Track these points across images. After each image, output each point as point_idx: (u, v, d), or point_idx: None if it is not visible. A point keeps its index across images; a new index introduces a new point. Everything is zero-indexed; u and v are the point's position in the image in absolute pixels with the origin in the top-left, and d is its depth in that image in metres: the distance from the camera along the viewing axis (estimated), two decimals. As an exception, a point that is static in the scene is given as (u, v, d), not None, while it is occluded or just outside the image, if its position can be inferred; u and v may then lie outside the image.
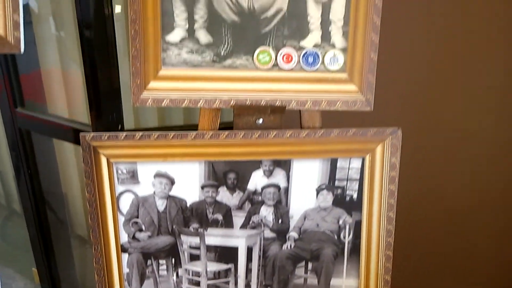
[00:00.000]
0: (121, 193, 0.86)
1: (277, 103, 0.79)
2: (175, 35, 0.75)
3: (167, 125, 1.41)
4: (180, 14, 0.74)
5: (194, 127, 0.83)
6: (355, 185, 0.83)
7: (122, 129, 1.05)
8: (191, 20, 0.75)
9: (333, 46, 0.77)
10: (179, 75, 0.77)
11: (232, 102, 0.78)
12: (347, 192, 0.83)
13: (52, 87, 1.39)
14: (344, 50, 0.77)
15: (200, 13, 0.75)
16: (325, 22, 0.75)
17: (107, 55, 0.96)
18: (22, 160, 1.34)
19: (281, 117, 0.80)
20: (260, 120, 0.81)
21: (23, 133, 1.34)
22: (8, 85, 1.29)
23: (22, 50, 0.82)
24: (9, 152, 1.38)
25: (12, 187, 2.09)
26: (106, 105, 0.99)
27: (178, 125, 1.34)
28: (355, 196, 0.84)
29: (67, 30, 1.31)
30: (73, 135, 1.20)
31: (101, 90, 0.95)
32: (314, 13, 0.75)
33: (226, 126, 0.82)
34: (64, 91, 1.35)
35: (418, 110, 1.11)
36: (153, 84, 0.77)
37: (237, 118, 0.80)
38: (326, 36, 0.76)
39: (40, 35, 1.36)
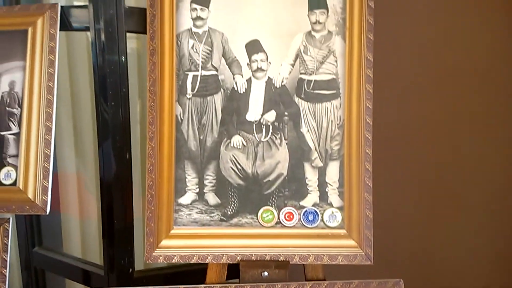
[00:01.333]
0: None
1: (280, 258, 0.83)
2: (187, 198, 0.84)
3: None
4: (191, 180, 0.84)
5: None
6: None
7: (133, 274, 1.08)
8: (201, 184, 0.84)
9: (331, 205, 0.84)
10: (189, 233, 0.83)
11: (238, 258, 0.83)
12: None
13: (68, 228, 1.45)
14: (341, 208, 0.84)
15: (209, 178, 0.84)
16: (322, 184, 0.84)
17: (124, 197, 1.03)
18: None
19: (285, 270, 0.84)
20: (266, 273, 0.84)
21: (38, 272, 1.37)
22: (29, 226, 1.37)
23: (48, 211, 0.91)
24: (21, 289, 1.39)
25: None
26: (119, 251, 1.04)
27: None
28: None
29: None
30: (86, 276, 1.23)
31: (116, 236, 1.01)
32: (311, 177, 0.84)
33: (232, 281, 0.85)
34: (79, 230, 1.42)
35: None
36: (165, 242, 0.83)
37: (243, 272, 0.84)
38: (323, 196, 0.84)
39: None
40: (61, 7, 0.94)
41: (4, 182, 0.91)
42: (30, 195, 0.89)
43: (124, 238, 1.05)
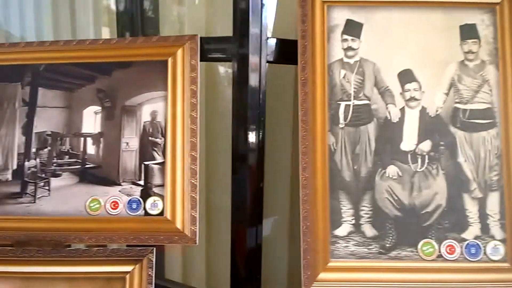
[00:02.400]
0: None
1: (441, 293, 0.81)
2: (343, 230, 0.83)
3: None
4: (347, 211, 0.83)
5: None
6: None
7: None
8: (357, 216, 0.83)
9: (493, 237, 0.82)
10: (347, 266, 0.82)
11: (396, 292, 0.81)
12: None
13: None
14: (503, 241, 0.82)
15: (365, 209, 0.83)
16: (483, 216, 0.82)
17: (255, 224, 1.03)
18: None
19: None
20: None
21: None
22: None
23: (197, 242, 0.91)
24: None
25: None
26: (246, 280, 1.03)
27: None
28: None
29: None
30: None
31: (245, 268, 1.00)
32: (471, 208, 0.82)
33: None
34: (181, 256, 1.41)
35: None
36: (322, 275, 0.82)
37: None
38: (485, 228, 0.82)
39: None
40: (200, 37, 0.96)
41: (150, 212, 0.91)
42: (178, 225, 0.90)
43: (253, 270, 1.04)
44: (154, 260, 0.91)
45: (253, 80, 0.93)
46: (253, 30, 0.91)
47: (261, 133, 0.96)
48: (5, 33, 1.70)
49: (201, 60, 0.95)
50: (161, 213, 0.90)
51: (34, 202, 0.92)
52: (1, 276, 0.91)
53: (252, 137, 0.96)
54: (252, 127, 0.95)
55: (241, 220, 1.00)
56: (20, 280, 0.91)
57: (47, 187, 0.93)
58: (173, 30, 1.31)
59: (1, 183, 0.95)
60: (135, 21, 1.15)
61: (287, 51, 0.95)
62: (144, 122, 0.94)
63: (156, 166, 0.92)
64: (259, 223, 1.03)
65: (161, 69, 0.95)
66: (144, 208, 0.91)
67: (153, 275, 0.91)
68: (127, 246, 0.94)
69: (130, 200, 0.91)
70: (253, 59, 0.92)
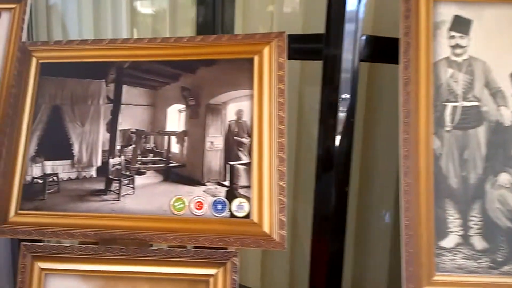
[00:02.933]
0: None
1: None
2: (450, 241, 0.77)
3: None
4: (454, 221, 0.77)
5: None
6: None
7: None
8: (465, 226, 0.77)
9: None
10: (453, 281, 0.75)
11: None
12: None
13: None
14: None
15: (475, 220, 0.77)
16: None
17: (337, 231, 0.98)
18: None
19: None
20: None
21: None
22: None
23: (286, 247, 0.88)
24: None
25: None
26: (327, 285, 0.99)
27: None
28: None
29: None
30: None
31: (327, 273, 0.96)
32: None
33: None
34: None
35: None
36: (426, 290, 0.77)
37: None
38: None
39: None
40: (288, 35, 0.93)
41: (236, 214, 0.89)
42: (266, 229, 0.86)
43: (334, 277, 0.99)
44: (238, 263, 0.89)
45: (345, 80, 0.89)
46: (348, 27, 0.87)
47: (349, 137, 0.91)
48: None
49: (288, 58, 0.92)
50: (247, 216, 0.87)
51: (119, 200, 0.92)
52: (85, 275, 0.91)
53: (340, 141, 0.92)
54: (341, 130, 0.91)
55: (322, 231, 0.96)
56: (103, 279, 0.91)
57: (131, 185, 0.92)
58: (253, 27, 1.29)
59: (85, 179, 0.95)
60: (216, 19, 1.14)
61: (383, 49, 0.90)
62: (229, 121, 0.92)
63: (241, 167, 0.89)
64: (342, 232, 0.98)
65: (247, 67, 0.92)
66: (230, 210, 0.88)
67: (237, 279, 0.89)
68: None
69: (215, 201, 0.89)
70: (346, 58, 0.88)
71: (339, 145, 0.91)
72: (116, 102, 0.96)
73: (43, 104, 0.98)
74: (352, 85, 0.89)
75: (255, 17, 1.26)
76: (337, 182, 0.92)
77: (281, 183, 0.87)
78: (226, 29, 1.15)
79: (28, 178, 0.95)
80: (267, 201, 0.87)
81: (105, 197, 0.92)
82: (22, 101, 1.00)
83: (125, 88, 0.96)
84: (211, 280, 0.88)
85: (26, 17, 1.21)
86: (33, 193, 0.94)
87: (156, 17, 1.59)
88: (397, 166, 1.15)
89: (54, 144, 0.97)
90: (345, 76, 0.88)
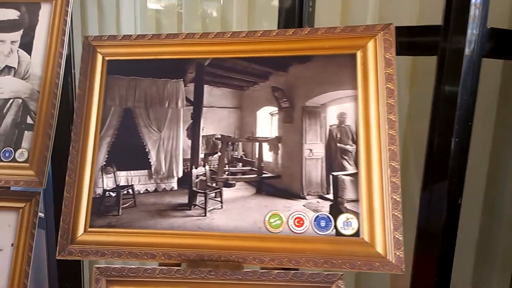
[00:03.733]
0: None
1: None
2: None
3: None
4: None
5: None
6: None
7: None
8: None
9: None
10: None
11: None
12: None
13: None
14: None
15: None
16: None
17: (445, 246, 0.86)
18: None
19: None
20: None
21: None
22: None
23: (403, 270, 0.78)
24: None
25: None
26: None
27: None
28: None
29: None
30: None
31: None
32: None
33: None
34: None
35: None
36: None
37: None
38: None
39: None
40: (396, 27, 0.83)
41: (343, 232, 0.77)
42: (379, 249, 0.75)
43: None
44: (343, 287, 0.79)
45: (465, 77, 0.79)
46: (472, 16, 0.76)
47: (466, 143, 0.81)
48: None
49: (397, 54, 0.82)
50: (357, 234, 0.77)
51: (205, 216, 0.81)
52: (169, 299, 0.82)
53: (455, 145, 0.82)
54: (458, 133, 0.81)
55: (427, 249, 0.86)
56: (191, 305, 0.81)
57: (219, 199, 0.82)
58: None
59: (166, 192, 0.84)
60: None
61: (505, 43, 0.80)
62: (330, 126, 0.81)
63: (347, 178, 0.79)
64: (451, 253, 0.88)
65: (348, 64, 0.82)
66: (335, 227, 0.77)
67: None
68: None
69: (317, 216, 0.78)
70: (467, 53, 0.78)
71: (454, 152, 0.81)
72: (197, 105, 0.86)
73: (112, 106, 0.88)
74: (472, 84, 0.79)
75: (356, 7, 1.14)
76: (450, 193, 0.82)
77: (395, 197, 0.77)
78: (310, 20, 1.04)
79: (99, 190, 0.85)
80: (379, 217, 0.76)
81: (189, 212, 0.82)
82: (88, 104, 0.89)
83: (206, 88, 0.86)
84: (314, 306, 0.78)
85: (70, 9, 1.11)
86: (105, 208, 0.84)
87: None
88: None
89: (128, 152, 0.87)
90: (465, 73, 0.78)
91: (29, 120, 1.06)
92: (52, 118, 1.03)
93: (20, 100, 1.05)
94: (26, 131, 1.06)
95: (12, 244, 1.12)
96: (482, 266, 1.12)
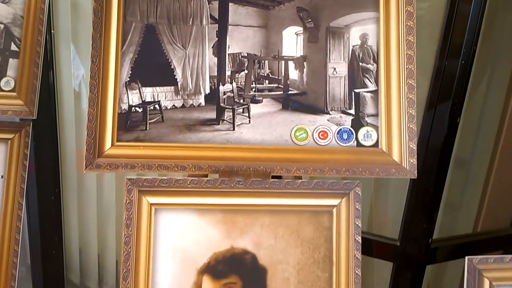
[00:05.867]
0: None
1: None
2: None
3: None
4: None
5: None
6: None
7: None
8: None
9: None
10: None
11: None
12: None
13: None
14: None
15: None
16: None
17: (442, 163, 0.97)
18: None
19: None
20: None
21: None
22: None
23: (416, 175, 0.86)
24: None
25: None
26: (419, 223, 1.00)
27: None
28: None
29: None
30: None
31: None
32: None
33: None
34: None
35: None
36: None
37: None
38: None
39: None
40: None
41: (363, 143, 0.85)
42: (395, 157, 0.84)
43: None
44: (360, 193, 0.87)
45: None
46: None
47: (470, 63, 0.89)
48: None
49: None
50: (376, 145, 0.84)
51: (233, 130, 0.85)
52: (200, 209, 0.85)
53: (460, 67, 0.90)
54: (465, 56, 0.88)
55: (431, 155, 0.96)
56: (221, 213, 0.85)
57: (246, 114, 0.85)
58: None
59: (193, 108, 0.86)
60: None
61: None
62: (353, 46, 0.85)
63: (368, 94, 0.85)
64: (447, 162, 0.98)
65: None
66: (356, 139, 0.84)
67: (361, 209, 0.88)
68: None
69: (340, 130, 0.85)
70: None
71: (459, 74, 0.89)
72: (222, 23, 0.86)
73: (133, 22, 0.86)
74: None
75: None
76: (452, 112, 0.91)
77: (411, 111, 0.84)
78: None
79: (124, 106, 0.85)
80: (396, 129, 0.84)
81: (217, 127, 0.85)
82: (106, 18, 0.86)
83: (231, 6, 0.86)
84: (335, 210, 0.86)
85: None
86: (132, 123, 0.85)
87: None
88: None
89: (152, 69, 0.86)
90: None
91: (13, 47, 1.01)
92: (39, 45, 0.99)
93: (2, 26, 0.99)
94: (10, 59, 1.01)
95: (1, 176, 1.10)
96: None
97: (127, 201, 0.85)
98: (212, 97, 0.86)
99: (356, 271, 0.84)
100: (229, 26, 0.86)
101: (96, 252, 1.73)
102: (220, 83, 0.85)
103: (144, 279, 0.81)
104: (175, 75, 0.85)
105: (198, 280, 0.83)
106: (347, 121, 0.85)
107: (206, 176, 0.87)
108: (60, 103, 1.55)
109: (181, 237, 0.83)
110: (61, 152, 1.63)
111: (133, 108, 0.85)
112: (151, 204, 0.84)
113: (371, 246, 1.13)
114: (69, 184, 1.66)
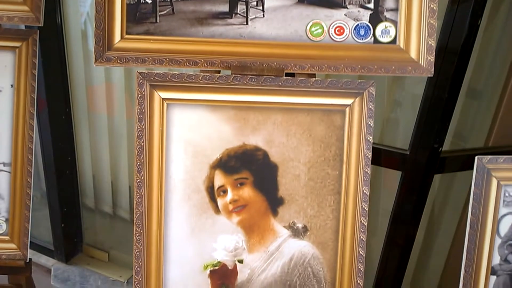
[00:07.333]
0: (503, 216, 0.87)
1: None
2: None
3: None
4: None
5: None
6: None
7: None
8: None
9: None
10: None
11: None
12: None
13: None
14: None
15: None
16: None
17: None
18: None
19: None
20: None
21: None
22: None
23: (432, 73, 0.85)
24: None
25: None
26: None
27: None
28: None
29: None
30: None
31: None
32: None
33: None
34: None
35: None
36: None
37: None
38: None
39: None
40: None
41: (381, 39, 0.82)
42: (412, 54, 0.81)
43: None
44: (374, 93, 0.86)
45: None
46: None
47: None
48: None
49: None
50: (393, 41, 0.82)
51: (247, 24, 0.82)
52: (212, 105, 0.85)
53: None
54: None
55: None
56: (233, 109, 0.85)
57: (260, 7, 0.82)
58: None
59: (205, 0, 0.83)
60: None
61: None
62: None
63: (377, -13, 0.81)
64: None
65: None
66: (374, 35, 0.81)
67: (374, 109, 0.87)
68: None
69: (357, 25, 0.81)
70: None
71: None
72: None
73: None
74: None
75: None
76: (473, 13, 0.87)
77: (432, 6, 0.80)
78: None
79: (132, -3, 0.82)
80: (416, 25, 0.81)
81: (230, 20, 0.82)
82: None
83: None
84: (347, 110, 0.85)
85: None
86: (142, 15, 0.81)
87: None
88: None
89: (161, -44, 0.82)
90: None
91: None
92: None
93: None
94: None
95: (12, 85, 1.08)
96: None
97: (139, 95, 0.84)
98: (225, -12, 0.82)
99: (366, 170, 0.86)
100: None
101: (109, 177, 1.76)
102: (233, -27, 0.81)
103: (158, 169, 0.83)
104: (184, -36, 0.81)
105: (211, 174, 0.85)
106: (365, 15, 0.81)
107: (219, 72, 0.86)
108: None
109: (193, 132, 0.84)
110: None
111: (142, -1, 0.81)
112: (163, 99, 0.83)
113: (379, 156, 1.14)
114: (79, 107, 1.65)
